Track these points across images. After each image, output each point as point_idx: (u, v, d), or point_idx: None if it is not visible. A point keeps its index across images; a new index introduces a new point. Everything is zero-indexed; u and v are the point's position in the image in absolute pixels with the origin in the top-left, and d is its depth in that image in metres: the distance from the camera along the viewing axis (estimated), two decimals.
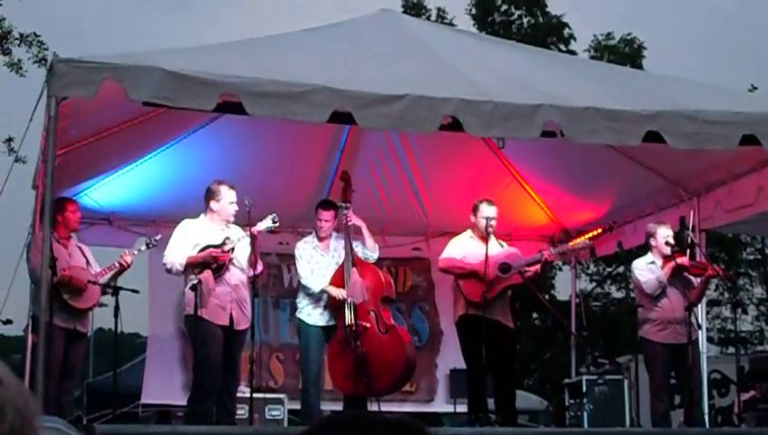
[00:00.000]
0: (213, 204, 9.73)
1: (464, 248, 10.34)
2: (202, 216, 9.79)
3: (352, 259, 10.14)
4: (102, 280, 10.00)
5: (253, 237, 9.51)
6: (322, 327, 10.30)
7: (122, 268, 10.12)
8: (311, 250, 10.45)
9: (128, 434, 9.35)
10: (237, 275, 9.70)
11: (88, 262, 10.07)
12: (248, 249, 9.61)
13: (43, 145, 8.61)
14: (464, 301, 10.22)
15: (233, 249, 9.55)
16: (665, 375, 10.47)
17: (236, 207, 9.70)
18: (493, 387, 10.30)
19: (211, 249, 9.53)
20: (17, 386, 1.99)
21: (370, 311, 10.10)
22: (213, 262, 9.51)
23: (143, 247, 10.52)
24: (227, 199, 9.70)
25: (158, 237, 10.58)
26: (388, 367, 10.00)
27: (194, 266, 9.50)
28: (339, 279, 10.24)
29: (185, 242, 9.63)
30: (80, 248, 10.18)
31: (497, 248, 10.27)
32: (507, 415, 10.15)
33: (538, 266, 10.35)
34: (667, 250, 10.28)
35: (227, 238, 9.58)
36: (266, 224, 9.68)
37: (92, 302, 9.98)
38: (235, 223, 9.78)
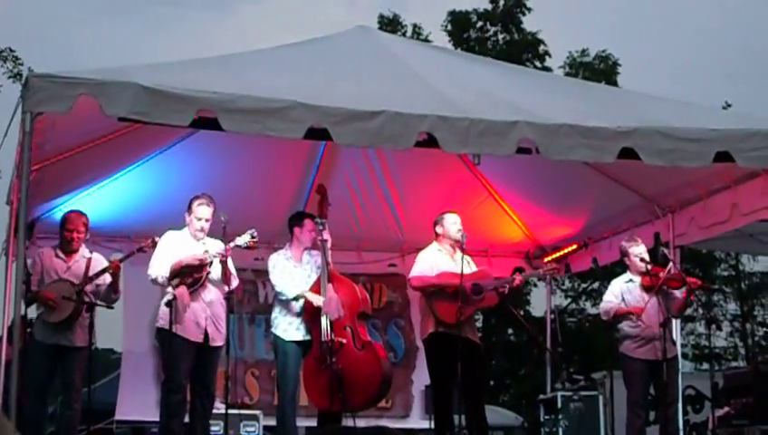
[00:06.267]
0: (186, 216, 9.75)
1: (432, 264, 10.33)
2: (185, 228, 9.80)
3: (328, 275, 10.11)
4: (92, 287, 9.83)
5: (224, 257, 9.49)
6: (298, 342, 10.26)
7: (115, 272, 9.96)
8: (284, 261, 10.42)
9: None
10: (213, 291, 9.67)
11: (86, 273, 9.85)
12: (219, 266, 9.57)
13: (17, 160, 8.56)
14: (434, 320, 10.21)
15: (212, 263, 9.51)
16: (643, 391, 10.48)
17: (204, 224, 9.66)
18: (463, 404, 10.24)
19: (193, 254, 9.50)
20: None
21: (346, 327, 10.06)
22: (196, 265, 9.46)
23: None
24: (195, 215, 9.67)
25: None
26: (364, 383, 9.96)
27: (174, 276, 9.46)
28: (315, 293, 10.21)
29: (167, 253, 9.60)
30: (88, 260, 9.98)
31: (466, 265, 10.26)
32: (479, 431, 10.15)
33: (507, 287, 10.36)
34: (643, 267, 10.33)
35: (206, 252, 9.54)
36: (245, 239, 9.64)
37: (62, 316, 9.67)
38: (214, 237, 9.74)
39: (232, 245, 9.53)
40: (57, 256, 9.95)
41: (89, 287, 9.84)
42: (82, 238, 10.07)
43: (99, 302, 9.92)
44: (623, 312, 10.44)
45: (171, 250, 9.60)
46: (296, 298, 10.24)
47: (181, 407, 9.48)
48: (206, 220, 9.68)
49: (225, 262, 9.54)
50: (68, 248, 9.99)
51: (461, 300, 9.84)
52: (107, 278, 9.88)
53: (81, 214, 10.17)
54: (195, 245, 9.67)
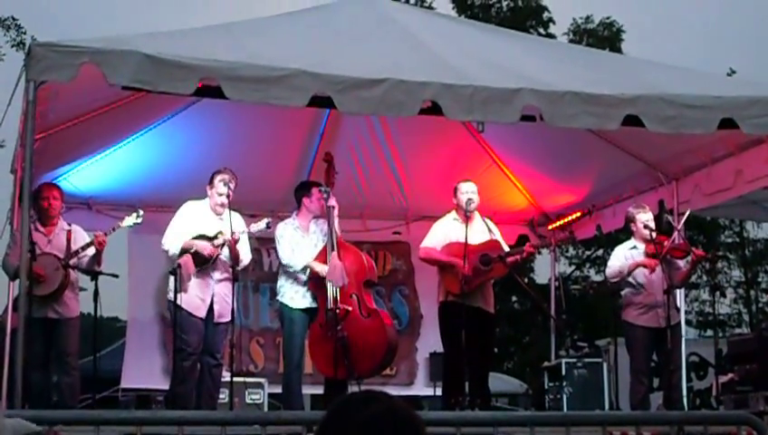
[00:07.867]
0: (208, 189, 9.82)
1: (446, 234, 10.34)
2: (206, 199, 9.86)
3: (335, 242, 10.10)
4: (75, 260, 9.79)
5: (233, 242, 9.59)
6: (305, 310, 10.26)
7: (100, 247, 9.91)
8: (291, 231, 10.40)
9: (108, 419, 9.33)
10: (221, 269, 9.71)
11: (68, 245, 9.83)
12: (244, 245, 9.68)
13: (21, 129, 8.57)
14: (444, 288, 10.26)
15: (223, 244, 9.55)
16: (646, 358, 10.51)
17: (225, 200, 9.70)
18: (467, 372, 10.26)
19: (204, 243, 9.56)
20: None
21: (352, 294, 10.05)
22: (205, 255, 9.53)
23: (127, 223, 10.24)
24: (217, 190, 9.73)
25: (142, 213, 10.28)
26: (369, 351, 9.98)
27: (184, 252, 9.53)
28: (321, 262, 10.20)
29: (183, 225, 9.68)
30: (68, 232, 9.91)
31: (482, 230, 10.29)
32: (481, 398, 10.18)
33: (518, 256, 10.39)
34: (648, 234, 10.30)
35: (220, 232, 9.59)
36: (260, 227, 9.82)
37: (51, 288, 9.59)
38: (237, 211, 9.79)
39: (245, 231, 9.65)
40: (37, 229, 9.72)
41: (72, 260, 9.79)
42: (58, 206, 9.99)
43: (105, 272, 9.92)
44: (637, 264, 10.38)
45: (189, 223, 9.69)
46: (303, 269, 10.25)
47: (192, 374, 9.57)
48: (227, 196, 9.71)
49: (234, 245, 9.59)
50: (46, 219, 9.90)
51: (466, 272, 9.88)
52: (90, 251, 9.78)
53: (51, 183, 10.22)
54: (214, 219, 9.75)
